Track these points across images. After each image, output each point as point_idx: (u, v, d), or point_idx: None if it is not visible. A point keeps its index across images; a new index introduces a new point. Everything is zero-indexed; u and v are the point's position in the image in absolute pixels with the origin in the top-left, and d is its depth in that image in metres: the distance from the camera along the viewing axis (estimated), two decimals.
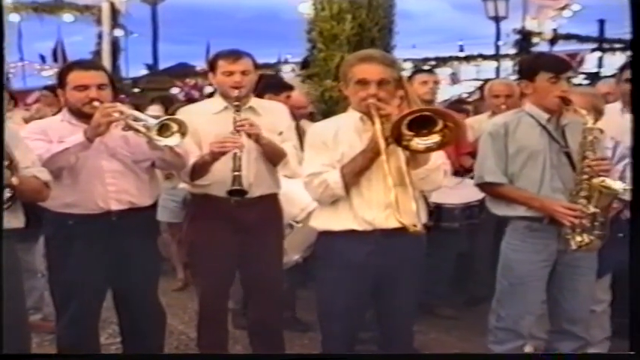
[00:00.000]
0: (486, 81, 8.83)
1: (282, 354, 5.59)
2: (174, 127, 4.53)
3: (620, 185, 4.58)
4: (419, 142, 3.95)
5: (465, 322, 6.79)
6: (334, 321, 4.52)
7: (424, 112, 3.94)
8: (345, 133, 4.38)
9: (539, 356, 5.38)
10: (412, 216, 4.05)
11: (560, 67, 4.78)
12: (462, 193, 6.01)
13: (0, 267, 4.00)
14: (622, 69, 6.46)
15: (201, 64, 19.06)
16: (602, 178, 4.54)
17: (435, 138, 3.94)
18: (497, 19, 19.81)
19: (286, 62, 17.12)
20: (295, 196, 5.38)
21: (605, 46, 18.27)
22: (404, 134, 3.90)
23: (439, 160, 4.27)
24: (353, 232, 4.33)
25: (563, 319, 4.93)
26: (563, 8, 14.75)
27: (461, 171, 6.51)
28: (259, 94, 5.86)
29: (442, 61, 18.78)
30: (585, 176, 4.58)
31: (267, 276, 5.31)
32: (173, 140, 4.54)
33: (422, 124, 3.90)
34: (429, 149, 4.00)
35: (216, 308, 5.36)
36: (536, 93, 4.76)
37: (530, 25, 15.17)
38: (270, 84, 6.76)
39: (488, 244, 5.81)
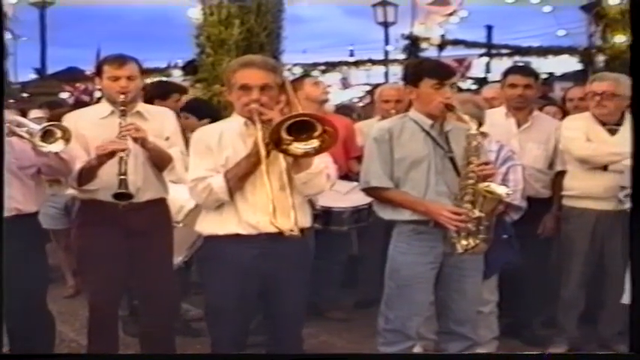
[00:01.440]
0: (376, 86, 8.93)
1: (282, 354, 5.64)
2: (58, 133, 4.50)
3: (503, 190, 4.69)
4: (298, 147, 3.99)
5: (355, 325, 6.85)
6: (223, 325, 4.52)
7: (303, 117, 3.98)
8: (229, 137, 4.40)
9: (539, 356, 5.46)
10: (290, 223, 4.09)
11: (444, 73, 4.85)
12: (351, 197, 6.06)
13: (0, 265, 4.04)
14: (506, 74, 6.63)
15: (91, 69, 18.84)
16: (486, 183, 4.63)
17: (313, 143, 3.99)
18: (386, 25, 20.04)
19: (176, 67, 17.01)
20: (173, 197, 5.41)
21: (493, 51, 18.63)
22: (283, 139, 3.95)
23: (321, 164, 4.31)
24: (238, 236, 4.35)
25: (451, 320, 5.00)
26: (450, 14, 15.00)
27: (350, 175, 6.57)
28: (148, 100, 5.84)
29: (332, 65, 18.89)
30: (470, 181, 4.65)
31: (158, 281, 5.27)
32: (57, 146, 4.51)
33: (301, 128, 3.95)
34: (308, 154, 4.04)
35: (107, 315, 5.29)
36: (420, 99, 4.83)
37: (419, 30, 15.39)
38: (157, 89, 6.74)
39: (377, 247, 5.87)
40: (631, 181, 4.48)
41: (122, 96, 5.06)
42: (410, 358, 5.47)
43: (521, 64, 16.36)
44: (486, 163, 4.73)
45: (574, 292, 6.26)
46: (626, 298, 5.77)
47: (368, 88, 17.16)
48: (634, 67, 4.10)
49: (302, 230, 4.21)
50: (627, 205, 5.71)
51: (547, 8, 15.15)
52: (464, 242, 4.66)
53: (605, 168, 6.00)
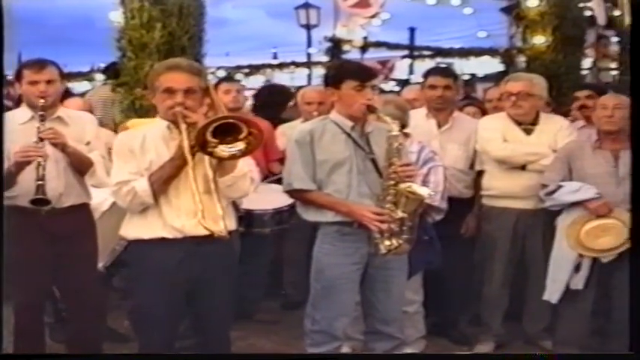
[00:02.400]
0: (299, 88, 8.95)
1: (282, 354, 5.61)
2: None
3: (425, 191, 4.75)
4: (223, 150, 4.01)
5: (282, 327, 6.86)
6: (150, 330, 4.51)
7: (228, 120, 3.99)
8: (152, 141, 4.40)
9: (538, 356, 5.49)
10: (218, 223, 4.09)
11: (365, 75, 4.89)
12: (272, 198, 6.08)
13: (0, 264, 4.08)
14: (426, 75, 6.70)
15: (11, 74, 18.51)
16: (408, 184, 4.67)
17: (239, 145, 4.00)
18: (308, 27, 20.07)
19: (99, 70, 16.84)
20: None
21: (415, 53, 18.79)
22: (209, 141, 3.96)
23: (245, 167, 4.33)
24: (163, 240, 4.35)
25: (377, 320, 5.04)
26: (372, 16, 15.06)
27: (271, 177, 6.59)
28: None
29: (256, 68, 18.87)
30: (392, 182, 4.70)
31: (84, 286, 5.24)
32: None
33: (226, 131, 3.96)
34: (234, 156, 4.06)
35: (33, 322, 5.25)
36: (341, 101, 4.86)
37: (341, 32, 15.44)
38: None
39: (303, 249, 5.90)
40: (631, 181, 4.54)
41: (41, 100, 5.04)
42: (410, 358, 5.53)
43: (443, 65, 16.59)
44: (408, 164, 4.78)
45: (497, 290, 6.35)
46: (547, 295, 5.90)
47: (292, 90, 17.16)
48: (634, 67, 4.17)
49: (228, 233, 4.23)
50: (548, 204, 5.84)
51: (468, 10, 15.32)
52: (387, 243, 4.70)
53: (523, 167, 6.12)
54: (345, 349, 5.49)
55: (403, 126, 5.20)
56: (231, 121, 3.99)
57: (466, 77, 20.39)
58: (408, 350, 5.55)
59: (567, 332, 6.03)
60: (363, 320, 5.17)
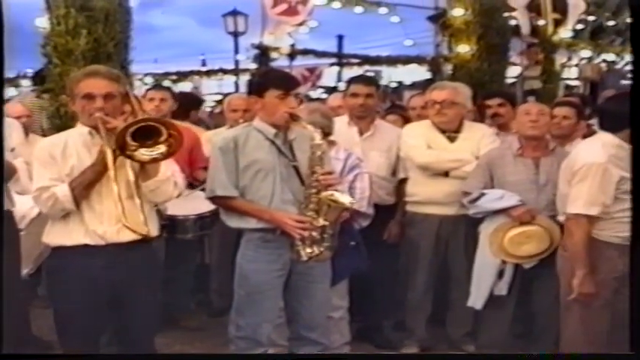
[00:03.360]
0: (227, 95, 8.95)
1: (282, 354, 5.55)
2: None
3: (347, 199, 4.78)
4: (144, 153, 4.01)
5: (208, 333, 6.83)
6: (74, 337, 4.47)
7: (147, 122, 3.99)
8: (73, 147, 4.36)
9: (538, 356, 5.48)
10: (141, 228, 4.09)
11: (289, 83, 4.93)
12: (195, 204, 6.06)
13: (0, 264, 3.74)
14: (348, 83, 6.73)
15: None
16: (330, 192, 4.71)
17: (160, 148, 4.00)
18: (236, 34, 20.03)
19: (25, 77, 16.64)
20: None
21: (343, 60, 18.88)
22: (128, 145, 3.95)
23: (168, 171, 4.33)
24: (86, 246, 4.32)
25: (301, 326, 5.07)
26: (300, 24, 15.11)
27: (196, 184, 6.57)
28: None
29: (184, 75, 18.80)
30: (314, 190, 4.73)
31: (7, 295, 5.17)
32: None
33: (146, 135, 3.96)
34: (155, 159, 4.05)
35: None
36: (265, 109, 4.87)
37: (269, 40, 15.44)
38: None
39: (228, 255, 5.89)
40: (631, 181, 4.57)
41: None
42: (409, 358, 5.52)
43: (371, 73, 16.71)
44: (330, 173, 4.82)
45: (421, 296, 6.40)
46: (471, 301, 5.97)
47: (219, 97, 17.13)
48: (635, 68, 4.19)
49: (151, 239, 4.21)
50: (471, 211, 5.91)
51: (395, 18, 15.45)
52: (308, 250, 4.74)
53: (446, 174, 6.18)
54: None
55: (327, 134, 5.23)
56: (150, 123, 3.98)
57: (394, 85, 20.66)
58: None
59: (490, 336, 6.12)
60: (287, 326, 5.18)
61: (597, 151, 5.17)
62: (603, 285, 5.15)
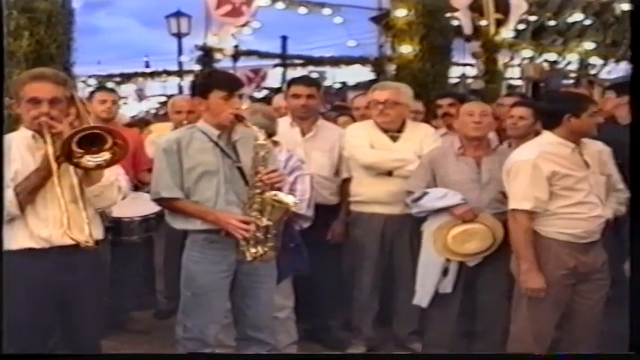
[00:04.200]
0: (171, 96, 8.93)
1: (282, 354, 5.63)
2: None
3: (291, 199, 4.83)
4: (89, 160, 4.00)
5: (155, 336, 6.82)
6: (20, 341, 4.41)
7: (93, 130, 3.98)
8: (18, 151, 4.34)
9: (537, 356, 5.48)
10: (84, 232, 4.09)
11: (233, 84, 4.94)
12: (140, 206, 6.05)
13: (0, 270, 3.76)
14: (289, 84, 6.75)
15: None
16: (274, 192, 4.75)
17: (105, 155, 4.00)
18: (179, 36, 20.00)
19: None
20: None
21: (288, 61, 18.89)
22: (74, 152, 3.94)
23: (112, 176, 4.33)
24: (31, 250, 4.30)
25: (248, 327, 5.08)
26: (244, 25, 15.07)
27: (140, 186, 6.55)
28: None
29: (127, 77, 18.69)
30: (258, 190, 4.76)
31: None
32: None
33: (92, 141, 3.96)
34: (100, 167, 4.05)
35: None
36: (209, 110, 4.88)
37: (212, 41, 15.38)
38: None
39: (176, 257, 5.89)
40: (631, 182, 4.60)
41: None
42: (408, 358, 5.52)
43: (315, 74, 16.73)
44: (273, 171, 4.84)
45: (367, 295, 6.44)
46: (417, 299, 6.02)
47: (163, 99, 17.06)
48: (634, 69, 4.23)
49: (96, 242, 4.21)
50: (414, 210, 5.96)
51: (338, 19, 15.49)
52: (253, 250, 4.77)
53: (390, 174, 6.23)
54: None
55: (271, 134, 5.26)
56: (96, 131, 3.98)
57: (338, 86, 20.69)
58: None
59: (436, 335, 6.17)
60: (235, 327, 5.19)
61: (528, 148, 5.38)
62: (552, 281, 5.26)
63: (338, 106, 10.50)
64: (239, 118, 4.82)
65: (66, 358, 5.00)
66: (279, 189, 4.83)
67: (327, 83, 20.15)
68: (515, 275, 5.43)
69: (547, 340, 5.43)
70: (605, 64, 18.49)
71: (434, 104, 7.74)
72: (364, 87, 12.56)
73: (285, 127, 6.31)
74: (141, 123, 9.40)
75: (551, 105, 5.50)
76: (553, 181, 5.19)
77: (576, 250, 5.29)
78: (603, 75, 18.93)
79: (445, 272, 5.94)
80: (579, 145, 5.28)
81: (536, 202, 5.20)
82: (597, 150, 5.42)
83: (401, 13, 11.03)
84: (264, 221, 4.76)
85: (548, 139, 5.31)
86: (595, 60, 18.02)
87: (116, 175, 4.38)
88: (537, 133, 6.04)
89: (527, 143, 5.55)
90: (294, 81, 6.84)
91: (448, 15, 11.96)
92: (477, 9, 14.37)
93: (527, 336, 5.44)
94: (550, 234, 5.30)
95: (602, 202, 5.31)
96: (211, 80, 5.01)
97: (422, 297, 6.02)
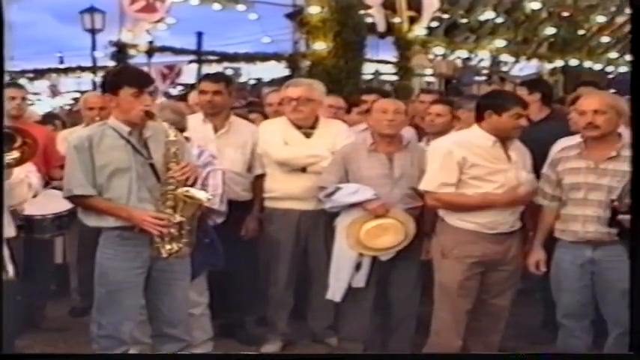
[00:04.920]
0: (84, 93, 8.86)
1: (283, 354, 5.79)
2: None
3: (203, 195, 4.84)
4: None
5: (71, 334, 6.77)
6: None
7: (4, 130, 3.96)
8: None
9: (540, 356, 5.47)
10: None
11: (143, 81, 4.94)
12: (52, 203, 5.99)
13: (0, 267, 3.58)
14: (199, 81, 6.74)
15: None
16: (186, 188, 4.76)
17: (14, 154, 3.99)
18: (93, 31, 19.77)
19: None
20: None
21: (203, 58, 18.81)
22: None
23: (22, 174, 4.30)
24: None
25: (163, 323, 5.08)
26: (158, 21, 14.98)
27: (52, 183, 6.49)
28: None
29: (41, 73, 18.43)
30: (170, 187, 4.77)
31: None
32: None
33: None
34: (9, 165, 4.03)
35: None
36: (120, 107, 4.86)
37: (126, 37, 15.25)
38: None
39: (89, 254, 5.85)
40: (631, 183, 4.64)
41: None
42: (407, 358, 5.50)
43: (230, 70, 16.69)
44: (186, 165, 4.84)
45: (282, 290, 6.47)
46: (330, 294, 6.07)
47: (77, 95, 16.86)
48: (634, 69, 4.28)
49: (8, 240, 4.18)
50: (327, 205, 6.01)
51: (253, 16, 15.46)
52: (168, 247, 4.79)
53: (303, 170, 6.28)
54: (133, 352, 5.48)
55: (181, 130, 5.26)
56: (5, 130, 3.96)
57: (253, 82, 20.66)
58: (195, 352, 5.59)
59: (351, 329, 6.22)
60: (150, 323, 5.19)
61: (449, 137, 5.64)
62: (458, 270, 5.45)
63: (252, 102, 10.54)
64: (149, 115, 4.81)
65: (66, 358, 4.99)
66: (192, 185, 4.84)
67: (242, 79, 20.16)
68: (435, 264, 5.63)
69: (461, 328, 5.57)
70: (516, 62, 18.83)
71: (359, 100, 7.81)
72: (279, 83, 12.58)
73: (197, 123, 6.32)
74: (53, 119, 9.27)
75: (483, 100, 5.69)
76: (464, 169, 5.36)
77: (485, 240, 5.44)
78: (515, 72, 19.30)
79: (358, 267, 5.97)
80: (505, 140, 5.44)
81: (442, 187, 5.40)
82: (522, 147, 5.62)
83: (315, 10, 11.11)
84: (178, 217, 4.78)
85: (472, 130, 5.51)
86: (506, 57, 18.32)
87: (26, 173, 4.35)
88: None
89: (454, 132, 5.74)
90: (204, 77, 6.90)
91: (361, 12, 12.08)
92: (390, 6, 14.55)
93: (442, 324, 5.60)
94: (457, 223, 5.46)
95: None
96: (121, 77, 4.99)
97: (335, 291, 6.06)
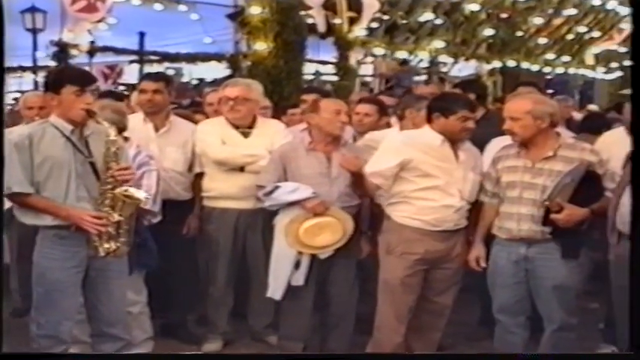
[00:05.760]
0: (25, 92, 8.80)
1: (283, 354, 5.75)
2: None
3: (142, 194, 4.88)
4: None
5: (10, 335, 6.72)
6: None
7: None
8: None
9: (540, 356, 5.49)
10: None
11: (85, 80, 4.96)
12: None
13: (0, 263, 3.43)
14: (140, 80, 6.74)
15: None
16: (125, 188, 4.79)
17: None
18: (34, 31, 19.58)
19: None
20: None
21: (145, 58, 18.71)
22: None
23: None
24: None
25: (102, 322, 5.10)
26: (99, 21, 14.90)
27: None
28: None
29: None
30: (109, 186, 4.79)
31: None
32: None
33: None
34: None
35: None
36: (61, 105, 4.87)
37: (68, 37, 15.12)
38: None
39: (26, 253, 5.82)
40: (631, 183, 4.69)
41: None
42: (407, 358, 5.49)
43: (171, 70, 16.65)
44: (125, 168, 4.88)
45: (222, 289, 6.51)
46: (270, 292, 6.11)
47: (18, 95, 16.68)
48: (634, 68, 4.30)
49: None
50: (267, 204, 6.05)
51: (195, 16, 15.44)
52: (106, 246, 4.81)
53: (241, 169, 6.32)
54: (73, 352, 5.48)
55: (121, 130, 5.28)
56: None
57: (195, 82, 20.61)
58: (136, 351, 5.62)
59: (291, 327, 6.27)
60: (89, 323, 5.20)
61: (399, 133, 5.77)
62: (401, 266, 5.58)
63: (194, 102, 10.54)
64: (90, 114, 4.83)
65: (66, 358, 4.97)
66: (130, 184, 4.87)
67: (184, 79, 20.11)
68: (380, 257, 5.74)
69: (403, 325, 5.68)
70: (455, 62, 19.01)
71: (299, 99, 7.87)
72: (220, 83, 12.61)
73: (138, 123, 6.34)
74: None
75: (432, 103, 5.82)
76: (410, 166, 5.52)
77: (430, 237, 5.56)
78: (454, 72, 19.48)
79: (297, 265, 6.02)
80: (456, 141, 5.59)
81: (381, 177, 5.57)
82: (473, 149, 5.79)
83: (256, 10, 11.15)
84: (116, 217, 4.80)
85: (423, 130, 5.67)
86: (445, 58, 18.49)
87: None
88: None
89: (407, 131, 5.96)
90: (143, 77, 6.98)
91: (302, 13, 12.14)
92: (330, 7, 14.60)
93: (384, 321, 5.70)
94: (403, 220, 5.57)
95: (461, 195, 5.60)
96: (64, 75, 5.02)
97: (275, 290, 6.09)
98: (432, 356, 5.82)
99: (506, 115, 5.41)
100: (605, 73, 23.68)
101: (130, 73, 17.53)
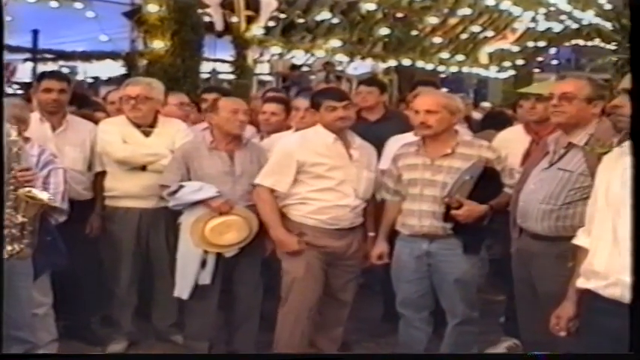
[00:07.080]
0: None
1: (283, 354, 5.58)
2: None
3: (45, 195, 4.82)
4: None
5: None
6: None
7: None
8: None
9: (538, 356, 5.42)
10: None
11: None
12: None
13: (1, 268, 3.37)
14: (39, 79, 6.60)
15: None
16: (27, 189, 4.71)
17: None
18: None
19: None
20: None
21: (38, 56, 18.38)
22: None
23: None
24: None
25: (8, 325, 4.96)
26: None
27: None
28: None
29: None
30: (11, 187, 4.69)
31: None
32: None
33: None
34: None
35: None
36: None
37: None
38: None
39: None
40: (631, 183, 4.68)
41: None
42: (407, 358, 5.39)
43: (66, 68, 16.37)
44: (27, 169, 4.81)
45: (126, 289, 6.46)
46: (177, 292, 6.08)
47: None
48: (634, 67, 4.30)
49: None
50: (171, 204, 6.01)
51: (91, 14, 15.27)
52: (9, 248, 4.71)
53: (143, 168, 6.28)
54: None
55: (21, 131, 5.19)
56: None
57: (90, 81, 20.30)
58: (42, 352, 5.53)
59: (197, 326, 6.26)
60: None
61: (293, 135, 5.85)
62: (302, 264, 5.68)
63: (91, 101, 10.39)
64: None
65: (66, 358, 4.83)
66: (33, 185, 4.79)
67: (78, 78, 19.79)
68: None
69: (305, 322, 5.73)
70: (351, 61, 19.18)
71: (199, 98, 7.85)
72: (116, 82, 12.47)
73: (35, 122, 6.19)
74: None
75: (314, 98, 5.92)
76: (304, 168, 5.55)
77: (326, 235, 5.64)
78: (350, 71, 19.67)
79: (204, 264, 6.01)
80: (344, 137, 5.64)
81: (277, 183, 5.66)
82: (367, 147, 5.87)
83: (153, 8, 11.07)
84: (19, 218, 4.72)
85: (315, 128, 5.75)
86: (342, 57, 18.63)
87: None
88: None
89: (300, 132, 5.96)
90: (46, 75, 6.70)
91: (200, 11, 12.10)
92: (228, 6, 14.61)
93: (287, 319, 5.75)
94: (299, 218, 5.67)
95: (356, 194, 5.68)
96: None
97: (182, 289, 6.06)
98: (433, 356, 5.82)
99: (420, 109, 5.45)
100: (499, 71, 24.22)
101: (24, 72, 17.19)
